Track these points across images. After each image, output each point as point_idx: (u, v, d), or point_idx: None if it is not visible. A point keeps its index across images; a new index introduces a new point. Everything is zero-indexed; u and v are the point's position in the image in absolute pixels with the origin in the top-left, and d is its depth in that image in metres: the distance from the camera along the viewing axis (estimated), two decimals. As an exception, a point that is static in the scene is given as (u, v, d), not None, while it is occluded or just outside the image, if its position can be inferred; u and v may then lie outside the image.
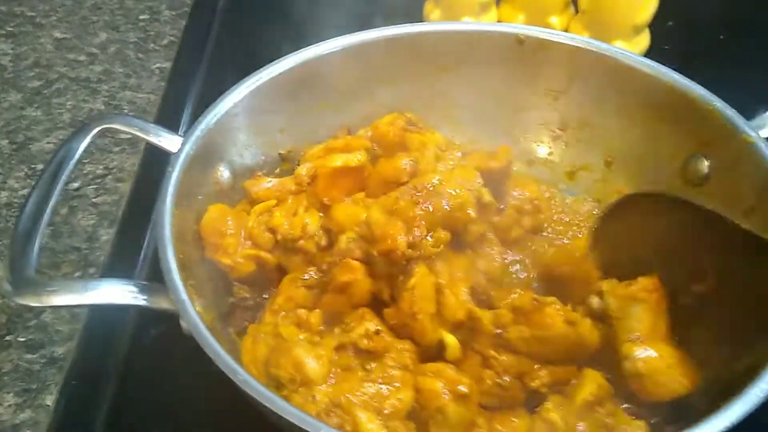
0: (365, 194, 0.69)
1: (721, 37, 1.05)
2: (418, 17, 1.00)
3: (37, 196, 0.59)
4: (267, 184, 0.70)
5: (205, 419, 0.65)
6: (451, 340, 0.60)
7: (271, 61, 0.72)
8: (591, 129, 0.77)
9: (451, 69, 0.77)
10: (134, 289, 0.56)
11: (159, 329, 0.70)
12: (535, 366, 0.59)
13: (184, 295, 0.54)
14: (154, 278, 0.72)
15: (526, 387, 0.59)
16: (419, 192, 0.62)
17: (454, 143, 0.76)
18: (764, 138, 0.65)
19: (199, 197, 0.66)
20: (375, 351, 0.58)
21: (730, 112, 0.67)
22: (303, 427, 0.47)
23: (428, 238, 0.61)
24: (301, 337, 0.59)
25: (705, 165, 0.69)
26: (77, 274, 0.77)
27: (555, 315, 0.58)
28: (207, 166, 0.67)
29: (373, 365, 0.58)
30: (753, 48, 1.02)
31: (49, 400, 0.67)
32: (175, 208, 0.60)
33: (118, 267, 0.77)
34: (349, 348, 0.58)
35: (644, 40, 0.97)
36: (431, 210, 0.61)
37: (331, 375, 0.57)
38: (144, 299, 0.56)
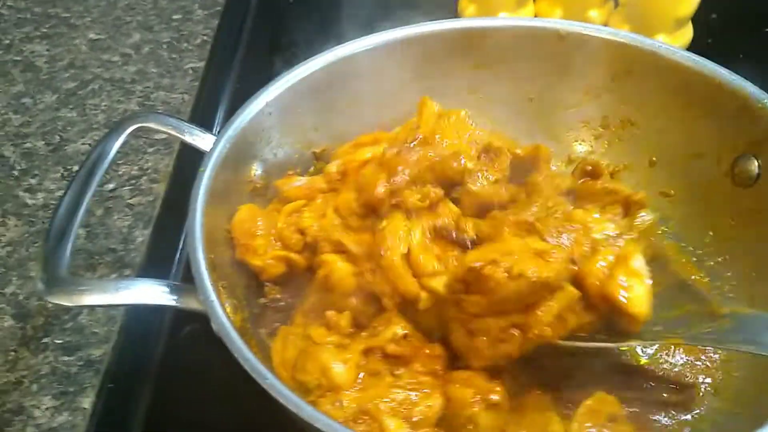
0: None
1: (767, 30, 1.01)
2: (453, 11, 0.99)
3: (71, 196, 0.59)
4: (297, 182, 0.69)
5: (240, 419, 0.64)
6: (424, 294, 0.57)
7: (304, 59, 0.72)
8: (634, 127, 0.75)
9: (488, 66, 0.76)
10: (165, 289, 0.56)
11: (193, 327, 0.69)
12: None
13: (213, 296, 0.54)
14: (189, 279, 0.74)
15: (530, 337, 0.54)
16: (408, 142, 0.61)
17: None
18: None
19: (233, 196, 0.66)
20: (403, 356, 0.57)
21: (763, 95, 0.65)
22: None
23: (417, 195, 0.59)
24: (329, 339, 0.58)
25: (755, 165, 0.66)
26: (113, 275, 0.77)
27: (497, 276, 0.53)
28: (240, 165, 0.67)
29: (402, 371, 0.56)
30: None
31: (87, 402, 0.67)
32: (208, 207, 0.60)
33: (153, 268, 0.77)
34: (377, 352, 0.57)
35: (687, 33, 0.94)
36: (417, 159, 0.60)
37: (358, 380, 0.56)
38: (175, 300, 0.56)
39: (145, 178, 0.88)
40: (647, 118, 0.74)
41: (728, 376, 0.62)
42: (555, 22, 0.74)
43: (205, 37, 1.09)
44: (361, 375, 0.56)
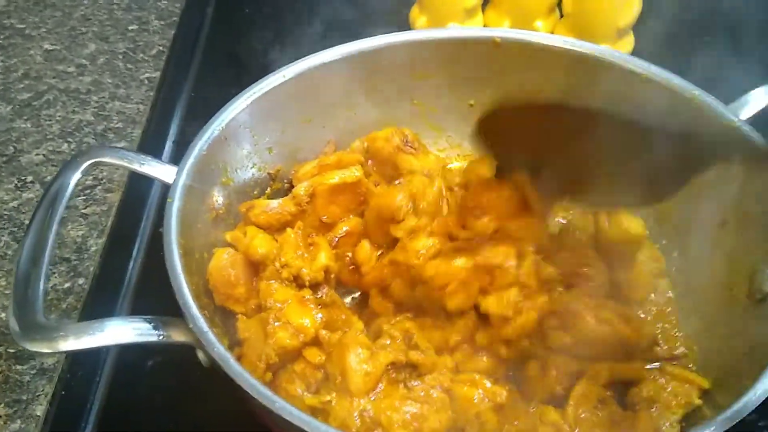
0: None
1: (706, 38, 1.04)
2: (404, 23, 1.01)
3: (33, 239, 0.58)
4: (267, 207, 0.69)
5: (191, 426, 0.66)
6: None
7: (260, 70, 0.73)
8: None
9: (431, 76, 0.78)
10: (146, 325, 0.55)
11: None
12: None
13: (206, 328, 0.54)
14: (147, 288, 0.76)
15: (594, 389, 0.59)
16: None
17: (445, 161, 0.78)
18: (745, 120, 0.67)
19: (199, 225, 0.66)
20: (422, 366, 0.59)
21: (710, 99, 0.68)
22: None
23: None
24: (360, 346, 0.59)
25: None
26: (67, 285, 0.78)
27: (587, 316, 0.59)
28: (202, 193, 0.67)
29: (415, 384, 0.58)
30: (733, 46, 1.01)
31: (39, 410, 0.68)
32: (180, 238, 0.60)
33: (107, 277, 0.78)
34: (398, 363, 0.59)
35: (628, 42, 0.97)
36: None
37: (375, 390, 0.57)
38: (159, 335, 0.55)
39: (99, 187, 0.88)
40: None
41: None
42: (491, 30, 0.77)
43: (161, 48, 1.10)
44: (380, 387, 0.57)
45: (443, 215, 0.68)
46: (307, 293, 0.63)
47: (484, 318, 0.61)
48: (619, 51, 0.81)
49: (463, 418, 0.56)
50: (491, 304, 0.60)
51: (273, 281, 0.63)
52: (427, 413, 0.56)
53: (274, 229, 0.68)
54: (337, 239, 0.68)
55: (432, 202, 0.67)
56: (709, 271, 0.67)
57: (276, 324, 0.59)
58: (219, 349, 0.52)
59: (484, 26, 0.99)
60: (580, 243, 0.67)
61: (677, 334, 0.64)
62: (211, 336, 0.53)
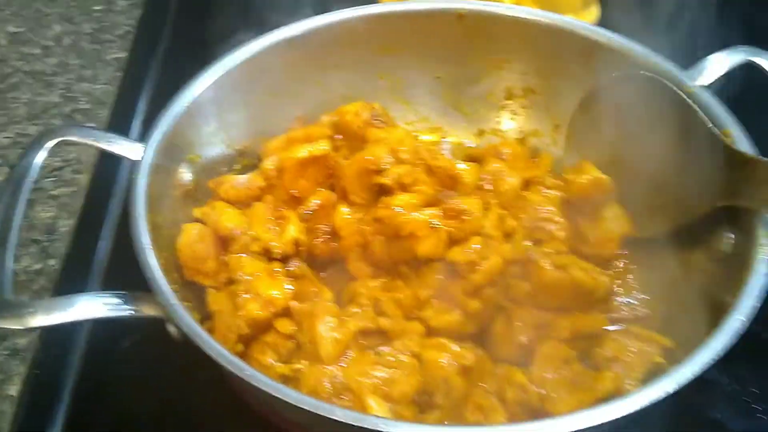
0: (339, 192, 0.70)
1: (672, 8, 1.05)
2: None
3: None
4: (235, 182, 0.69)
5: (165, 404, 0.66)
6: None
7: (228, 49, 0.73)
8: (535, 96, 0.79)
9: (396, 50, 0.78)
10: (116, 300, 0.56)
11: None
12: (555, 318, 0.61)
13: (174, 300, 0.54)
14: (117, 267, 0.75)
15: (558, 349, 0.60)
16: None
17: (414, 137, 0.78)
18: (702, 86, 0.68)
19: (166, 200, 0.66)
20: (391, 331, 0.60)
21: (670, 66, 0.69)
22: (318, 413, 0.47)
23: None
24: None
25: None
26: (37, 266, 0.78)
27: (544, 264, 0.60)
28: (170, 170, 0.67)
29: (384, 349, 0.59)
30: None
31: (14, 390, 0.68)
32: (148, 214, 0.60)
33: (78, 257, 0.78)
34: (367, 330, 0.60)
35: (593, 12, 0.97)
36: None
37: (344, 356, 0.58)
38: (129, 310, 0.56)
39: (68, 168, 0.88)
40: (548, 86, 0.78)
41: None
42: (454, 3, 0.77)
43: (127, 28, 1.09)
44: (349, 354, 0.58)
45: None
46: (277, 266, 0.64)
47: (453, 273, 0.62)
48: (581, 20, 0.82)
49: (432, 382, 0.58)
50: (457, 253, 0.62)
51: (242, 255, 0.63)
52: (396, 378, 0.57)
53: (243, 204, 0.68)
54: (308, 212, 0.68)
55: (412, 150, 0.68)
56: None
57: (246, 296, 0.60)
58: (187, 320, 0.53)
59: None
60: (546, 200, 0.68)
61: (640, 296, 0.66)
62: (179, 308, 0.54)
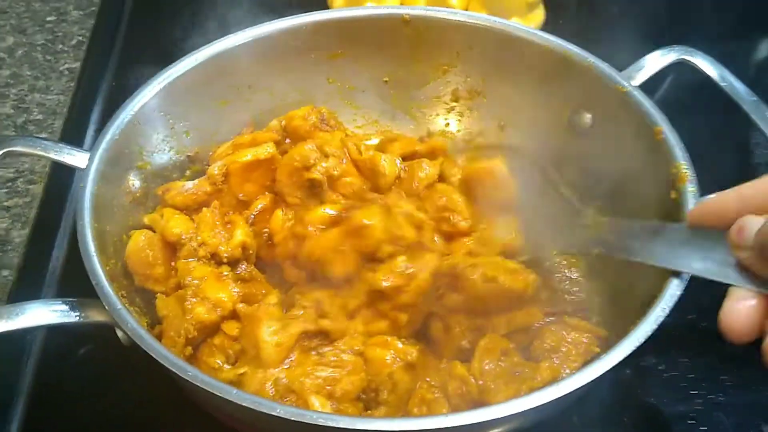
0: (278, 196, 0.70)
1: (616, 9, 1.08)
2: (325, 5, 1.01)
3: None
4: (183, 188, 0.70)
5: (123, 412, 0.67)
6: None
7: (180, 56, 0.73)
8: (481, 97, 0.81)
9: (344, 55, 0.80)
10: (64, 307, 0.57)
11: (64, 339, 0.71)
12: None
13: (119, 305, 0.55)
14: (71, 278, 0.75)
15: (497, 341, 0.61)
16: None
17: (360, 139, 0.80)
18: (636, 86, 0.70)
19: (114, 209, 0.66)
20: (333, 332, 0.61)
21: (604, 66, 0.71)
22: (260, 410, 0.48)
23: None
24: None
25: (588, 117, 0.74)
26: (-9, 286, 0.78)
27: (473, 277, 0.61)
28: (117, 177, 0.68)
29: (326, 349, 0.60)
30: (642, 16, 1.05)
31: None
32: (94, 221, 0.61)
33: (32, 267, 0.78)
34: (310, 332, 0.60)
35: (539, 15, 1.00)
36: None
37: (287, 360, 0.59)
38: (77, 316, 0.57)
39: (21, 179, 0.88)
40: (492, 88, 0.80)
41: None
42: (399, 7, 0.78)
43: (80, 38, 1.09)
44: (292, 356, 0.59)
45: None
46: (225, 270, 0.64)
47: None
48: (526, 24, 0.84)
49: (377, 378, 0.59)
50: (379, 279, 0.61)
51: (191, 260, 0.64)
52: (339, 376, 0.58)
53: (192, 209, 0.69)
54: (253, 216, 0.69)
55: (338, 146, 0.70)
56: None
57: (194, 300, 0.61)
58: (132, 324, 0.54)
59: (402, 4, 1.01)
60: (448, 189, 0.70)
61: (575, 288, 0.67)
62: (125, 313, 0.55)
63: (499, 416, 0.48)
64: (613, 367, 0.52)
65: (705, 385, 0.69)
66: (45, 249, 0.79)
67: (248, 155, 0.69)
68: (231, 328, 0.61)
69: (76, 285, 0.71)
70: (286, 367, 0.58)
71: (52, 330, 0.71)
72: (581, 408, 0.65)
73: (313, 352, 0.60)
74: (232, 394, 0.49)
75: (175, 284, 0.65)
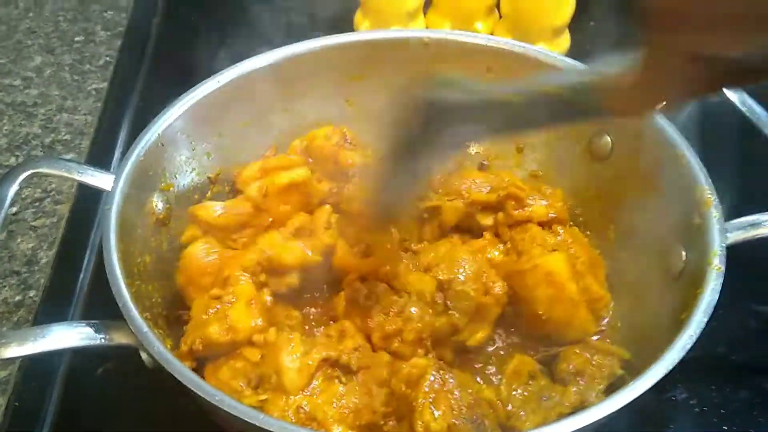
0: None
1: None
2: (349, 28, 1.03)
3: None
4: (218, 208, 0.71)
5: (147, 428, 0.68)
6: None
7: (206, 77, 0.75)
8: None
9: (363, 77, 0.81)
10: (89, 329, 0.57)
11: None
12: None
13: (146, 328, 0.56)
14: (97, 298, 0.77)
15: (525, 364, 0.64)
16: None
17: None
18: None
19: (139, 230, 0.68)
20: (358, 367, 0.61)
21: None
22: None
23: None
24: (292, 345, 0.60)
25: (608, 141, 0.75)
26: (18, 297, 0.79)
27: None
28: (141, 199, 0.69)
29: (350, 379, 0.60)
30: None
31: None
32: (119, 243, 0.62)
33: (58, 288, 0.79)
34: (331, 359, 0.60)
35: (564, 41, 1.01)
36: None
37: (310, 386, 0.59)
38: (102, 338, 0.57)
39: (48, 200, 0.90)
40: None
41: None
42: (419, 31, 0.79)
43: (108, 58, 1.11)
44: (315, 383, 0.59)
45: None
46: (267, 294, 0.65)
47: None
48: (541, 47, 0.84)
49: (405, 405, 0.58)
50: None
51: (245, 275, 0.65)
52: (361, 406, 0.58)
53: (230, 230, 0.70)
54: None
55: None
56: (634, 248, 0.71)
57: (212, 315, 0.61)
58: (158, 348, 0.54)
59: (426, 28, 1.02)
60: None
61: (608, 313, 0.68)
62: (151, 335, 0.55)
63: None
64: (642, 396, 0.51)
65: (737, 421, 0.68)
66: (71, 270, 0.81)
67: (286, 178, 0.71)
68: (253, 354, 0.61)
69: (102, 307, 0.71)
70: (307, 394, 0.58)
71: (77, 351, 0.72)
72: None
73: (336, 381, 0.60)
74: (259, 420, 0.49)
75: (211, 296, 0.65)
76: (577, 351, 0.63)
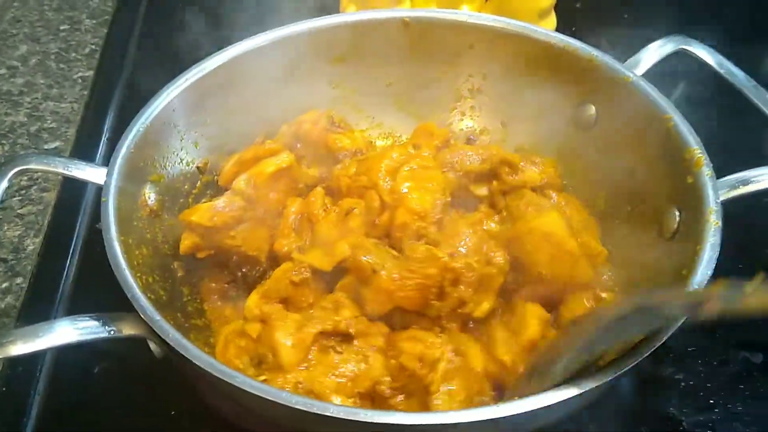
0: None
1: (625, 16, 1.08)
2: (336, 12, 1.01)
3: None
4: (216, 208, 0.69)
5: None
6: None
7: (191, 64, 0.74)
8: (483, 96, 0.82)
9: (347, 60, 0.80)
10: (94, 322, 0.56)
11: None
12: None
13: (158, 316, 0.55)
14: (85, 286, 0.77)
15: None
16: None
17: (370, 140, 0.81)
18: (640, 75, 0.71)
19: (134, 222, 0.67)
20: (356, 333, 0.61)
21: (607, 59, 0.72)
22: (308, 409, 0.49)
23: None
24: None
25: (592, 111, 0.75)
26: (5, 284, 0.79)
27: None
28: (134, 191, 0.68)
29: (346, 347, 0.60)
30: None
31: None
32: (120, 236, 0.61)
33: (45, 276, 0.79)
34: (327, 332, 0.61)
35: (550, 23, 1.00)
36: None
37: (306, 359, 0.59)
38: (109, 331, 0.56)
39: (35, 187, 0.90)
40: (494, 86, 0.81)
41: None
42: (399, 10, 0.79)
43: (93, 47, 1.11)
44: (310, 356, 0.59)
45: None
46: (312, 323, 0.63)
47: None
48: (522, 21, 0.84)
49: (415, 382, 0.58)
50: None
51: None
52: (359, 372, 0.58)
53: (227, 228, 0.69)
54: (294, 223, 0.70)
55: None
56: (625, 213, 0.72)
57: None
58: (174, 335, 0.53)
59: (410, 9, 1.01)
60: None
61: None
62: (164, 323, 0.54)
63: (521, 410, 0.49)
64: (632, 369, 0.52)
65: (723, 395, 0.69)
66: (58, 257, 0.80)
67: (271, 166, 0.70)
68: (253, 329, 0.62)
69: (89, 294, 0.75)
70: (303, 368, 0.58)
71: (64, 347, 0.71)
72: (599, 417, 0.66)
73: (331, 350, 0.60)
74: (282, 397, 0.50)
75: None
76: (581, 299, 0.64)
